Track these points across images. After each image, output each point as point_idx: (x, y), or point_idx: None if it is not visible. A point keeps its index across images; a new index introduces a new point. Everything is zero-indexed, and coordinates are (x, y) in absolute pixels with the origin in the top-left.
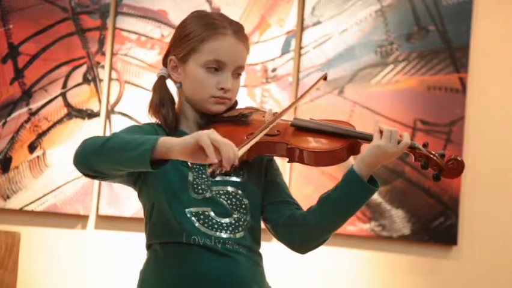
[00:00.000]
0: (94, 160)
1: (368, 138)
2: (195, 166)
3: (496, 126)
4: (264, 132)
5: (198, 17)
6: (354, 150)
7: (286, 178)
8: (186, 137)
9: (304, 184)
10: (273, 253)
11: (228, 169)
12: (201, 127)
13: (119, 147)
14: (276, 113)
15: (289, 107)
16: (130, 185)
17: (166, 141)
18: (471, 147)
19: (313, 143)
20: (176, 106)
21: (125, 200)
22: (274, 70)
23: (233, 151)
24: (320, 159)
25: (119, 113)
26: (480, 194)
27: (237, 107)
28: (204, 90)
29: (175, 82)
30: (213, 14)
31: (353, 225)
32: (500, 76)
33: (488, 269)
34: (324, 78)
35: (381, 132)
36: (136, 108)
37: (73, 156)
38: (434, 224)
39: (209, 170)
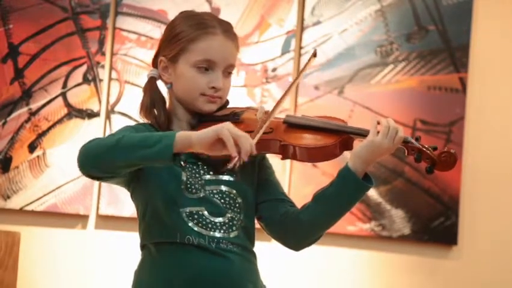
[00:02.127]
0: (106, 159)
1: (361, 133)
2: (188, 166)
3: (496, 126)
4: (272, 116)
5: (187, 17)
6: (347, 145)
7: (286, 178)
8: (205, 130)
9: (304, 184)
10: (273, 253)
11: (246, 160)
12: (193, 127)
13: (136, 145)
14: (268, 111)
15: (287, 92)
16: (124, 186)
17: (185, 136)
18: (471, 147)
19: (306, 139)
20: (167, 107)
21: (125, 200)
22: (274, 70)
23: (250, 142)
24: (312, 155)
25: (119, 112)
26: (480, 194)
27: (228, 106)
28: (194, 90)
29: (166, 83)
30: (202, 14)
31: (353, 225)
32: (500, 76)
33: (488, 269)
34: (314, 55)
35: (378, 123)
36: (135, 108)
37: (79, 157)
38: (434, 224)
39: (229, 165)
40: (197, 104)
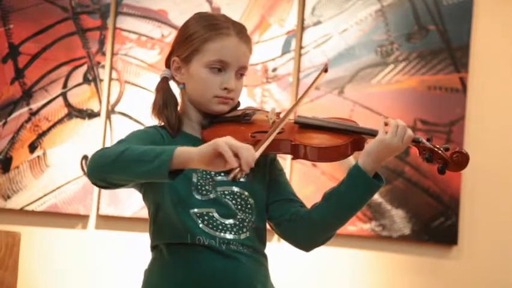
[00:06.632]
0: (109, 172)
1: (372, 134)
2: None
3: (496, 126)
4: (278, 130)
5: (201, 17)
6: (358, 145)
7: None
8: (203, 145)
9: (305, 184)
10: (272, 253)
11: (247, 172)
12: (204, 128)
13: (136, 159)
14: (280, 113)
15: (295, 104)
16: (136, 189)
17: (184, 151)
18: (471, 147)
19: (317, 139)
20: (179, 107)
21: (126, 200)
22: (274, 70)
23: (251, 153)
24: (324, 155)
25: (120, 113)
26: (480, 194)
27: (239, 108)
28: (207, 90)
29: (178, 83)
30: (216, 15)
31: (353, 225)
32: (500, 76)
33: (488, 269)
34: (325, 70)
35: (386, 125)
36: (136, 108)
37: (87, 167)
38: (434, 224)
39: (230, 176)
40: (209, 105)
